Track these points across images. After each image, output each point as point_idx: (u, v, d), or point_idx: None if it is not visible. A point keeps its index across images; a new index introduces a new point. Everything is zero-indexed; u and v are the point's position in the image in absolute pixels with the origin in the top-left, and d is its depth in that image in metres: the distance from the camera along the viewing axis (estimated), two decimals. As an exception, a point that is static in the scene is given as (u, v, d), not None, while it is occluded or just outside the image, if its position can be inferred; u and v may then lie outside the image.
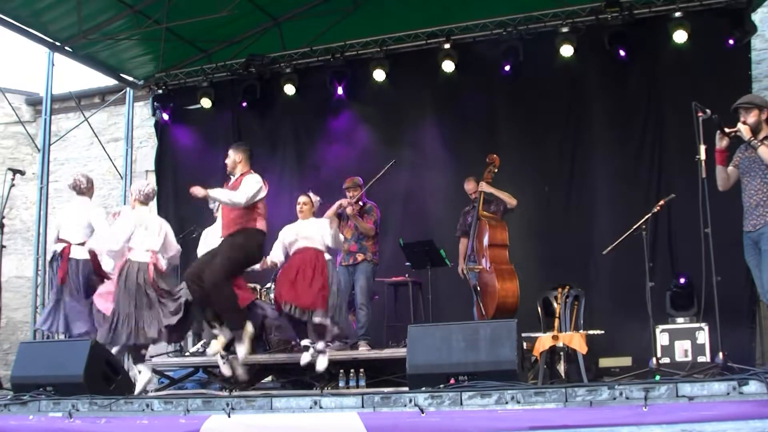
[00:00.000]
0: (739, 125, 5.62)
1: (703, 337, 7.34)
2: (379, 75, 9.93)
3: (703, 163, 5.59)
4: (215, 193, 6.65)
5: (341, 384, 7.70)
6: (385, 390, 6.30)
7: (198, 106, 10.82)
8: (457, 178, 8.54)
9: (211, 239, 7.68)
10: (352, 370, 7.75)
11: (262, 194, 6.71)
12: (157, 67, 10.78)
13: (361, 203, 8.25)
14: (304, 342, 7.24)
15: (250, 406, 5.09)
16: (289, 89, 10.37)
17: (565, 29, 9.16)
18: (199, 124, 10.99)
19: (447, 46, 9.60)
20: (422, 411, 4.63)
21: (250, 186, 6.61)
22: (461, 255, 8.16)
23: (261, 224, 6.72)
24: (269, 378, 8.49)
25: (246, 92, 10.54)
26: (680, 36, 8.73)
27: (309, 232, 7.41)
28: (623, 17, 8.91)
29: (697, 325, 7.43)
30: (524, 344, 6.13)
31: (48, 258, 7.61)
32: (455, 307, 8.46)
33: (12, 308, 12.53)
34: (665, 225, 8.55)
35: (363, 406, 4.83)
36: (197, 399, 5.31)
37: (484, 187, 7.91)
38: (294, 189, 10.41)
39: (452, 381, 4.96)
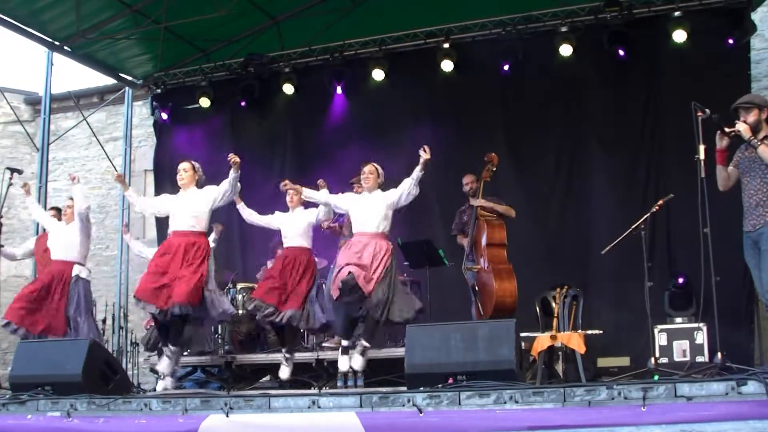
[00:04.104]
0: (739, 124, 5.60)
1: (702, 337, 7.33)
2: (378, 74, 9.92)
3: (702, 163, 5.58)
4: None
5: (339, 383, 7.68)
6: (384, 390, 6.28)
7: (197, 105, 10.79)
8: (456, 178, 8.51)
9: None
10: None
11: None
12: (155, 66, 10.77)
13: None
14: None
15: (249, 405, 5.09)
16: (288, 89, 10.35)
17: (564, 29, 9.16)
18: (197, 124, 10.94)
19: (446, 45, 9.59)
20: (420, 411, 4.63)
21: None
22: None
23: None
24: (267, 377, 8.47)
25: (245, 92, 10.52)
26: (680, 35, 8.73)
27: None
28: (623, 17, 8.91)
29: (695, 325, 7.42)
30: (522, 344, 6.13)
31: None
32: (453, 307, 8.43)
33: (10, 307, 12.48)
34: (664, 225, 8.54)
35: (361, 406, 4.83)
36: (196, 398, 5.32)
37: (481, 202, 7.76)
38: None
39: (450, 381, 4.96)
